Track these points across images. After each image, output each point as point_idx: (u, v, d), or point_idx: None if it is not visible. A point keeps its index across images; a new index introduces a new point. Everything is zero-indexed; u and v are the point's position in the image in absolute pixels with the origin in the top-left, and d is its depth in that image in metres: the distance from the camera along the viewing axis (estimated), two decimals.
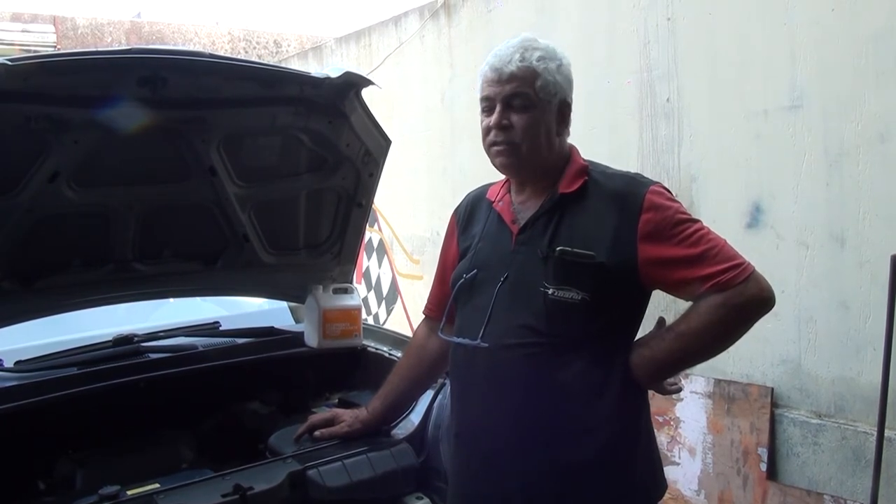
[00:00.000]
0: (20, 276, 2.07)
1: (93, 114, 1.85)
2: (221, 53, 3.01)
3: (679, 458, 3.37)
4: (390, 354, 2.43)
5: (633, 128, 3.64)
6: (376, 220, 5.81)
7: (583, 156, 1.59)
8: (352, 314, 2.51)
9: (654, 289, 1.51)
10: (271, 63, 6.73)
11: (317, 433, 1.97)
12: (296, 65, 6.81)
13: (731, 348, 1.48)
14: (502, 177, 1.65)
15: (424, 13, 5.19)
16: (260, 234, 2.38)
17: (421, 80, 5.26)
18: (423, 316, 1.86)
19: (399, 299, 5.66)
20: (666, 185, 1.55)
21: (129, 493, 1.71)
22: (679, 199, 1.54)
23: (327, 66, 2.24)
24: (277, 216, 2.39)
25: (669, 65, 3.44)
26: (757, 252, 2.13)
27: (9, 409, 1.92)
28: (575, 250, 1.43)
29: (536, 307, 1.45)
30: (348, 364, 2.53)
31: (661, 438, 3.37)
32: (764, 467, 3.04)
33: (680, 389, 1.70)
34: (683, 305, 1.49)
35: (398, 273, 5.69)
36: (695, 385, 3.30)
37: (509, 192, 1.61)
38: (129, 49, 1.88)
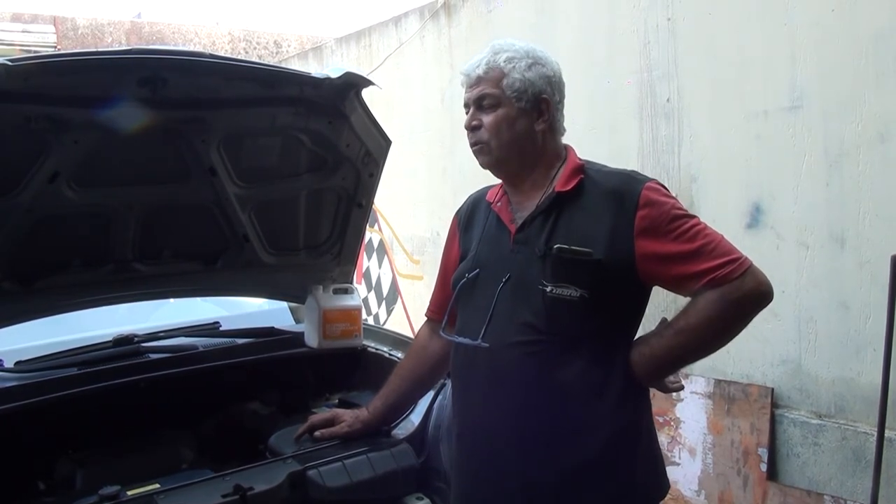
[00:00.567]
0: (20, 276, 2.07)
1: (93, 114, 1.85)
2: (221, 54, 3.01)
3: (679, 458, 3.37)
4: (390, 355, 2.43)
5: (633, 128, 3.64)
6: (376, 220, 5.81)
7: (582, 156, 1.61)
8: (352, 314, 2.51)
9: (653, 285, 1.51)
10: (271, 63, 6.74)
11: (317, 433, 1.97)
12: (296, 65, 6.81)
13: (732, 349, 1.49)
14: None
15: (424, 13, 5.19)
16: (260, 234, 2.38)
17: (421, 81, 5.26)
18: (425, 318, 1.87)
19: (399, 300, 5.66)
20: (664, 184, 1.55)
21: (129, 493, 1.71)
22: (679, 199, 1.54)
23: (327, 67, 2.24)
24: (277, 216, 2.39)
25: (669, 65, 3.44)
26: (757, 252, 2.11)
27: (9, 409, 1.92)
28: (572, 248, 1.44)
29: (535, 305, 1.46)
30: (348, 364, 2.53)
31: (662, 439, 3.36)
32: (764, 468, 3.04)
33: (681, 387, 1.69)
34: (683, 304, 1.49)
35: (398, 273, 5.69)
36: (695, 385, 3.30)
37: (507, 193, 1.62)
38: (130, 49, 1.88)
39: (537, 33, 4.05)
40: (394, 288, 5.74)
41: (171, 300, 2.77)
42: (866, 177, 2.75)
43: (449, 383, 1.83)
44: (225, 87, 2.01)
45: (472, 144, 1.59)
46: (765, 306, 1.45)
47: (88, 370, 2.14)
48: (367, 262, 6.07)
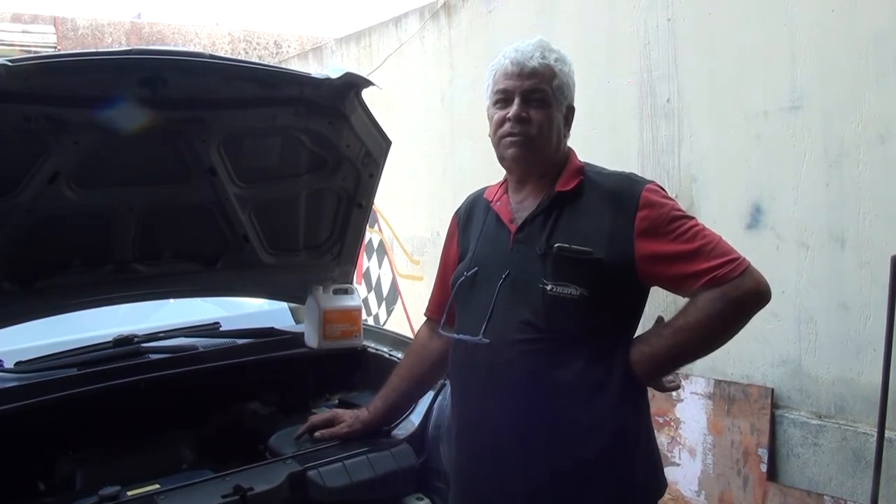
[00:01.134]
0: (20, 276, 2.07)
1: (93, 114, 1.85)
2: (221, 54, 3.01)
3: (679, 458, 3.37)
4: (390, 355, 2.43)
5: (633, 128, 3.64)
6: (376, 220, 5.81)
7: (582, 156, 1.62)
8: (352, 315, 2.51)
9: (652, 285, 1.52)
10: (271, 64, 6.73)
11: (317, 434, 1.97)
12: (296, 65, 6.81)
13: (732, 349, 1.49)
14: (502, 177, 1.66)
15: (424, 14, 5.19)
16: (260, 234, 2.38)
17: (421, 81, 5.26)
18: (425, 317, 1.87)
19: (399, 300, 5.66)
20: (664, 186, 1.56)
21: (129, 493, 1.71)
22: (679, 200, 1.55)
23: (327, 67, 2.24)
24: (277, 217, 2.39)
25: (669, 65, 3.44)
26: (757, 253, 2.12)
27: (9, 409, 1.92)
28: (573, 247, 1.45)
29: (535, 303, 1.46)
30: (348, 365, 2.53)
31: (662, 439, 3.37)
32: (764, 468, 3.04)
33: (678, 387, 1.70)
34: (683, 304, 1.49)
35: (398, 274, 5.69)
36: (695, 386, 3.30)
37: (507, 192, 1.63)
38: (130, 50, 1.88)
39: (537, 34, 4.02)
40: (394, 288, 5.74)
41: (172, 300, 2.77)
42: (866, 177, 2.75)
43: (449, 383, 1.83)
44: (225, 88, 2.01)
45: (510, 135, 1.52)
46: (763, 306, 1.45)
47: (88, 370, 2.14)
48: (367, 262, 6.07)
